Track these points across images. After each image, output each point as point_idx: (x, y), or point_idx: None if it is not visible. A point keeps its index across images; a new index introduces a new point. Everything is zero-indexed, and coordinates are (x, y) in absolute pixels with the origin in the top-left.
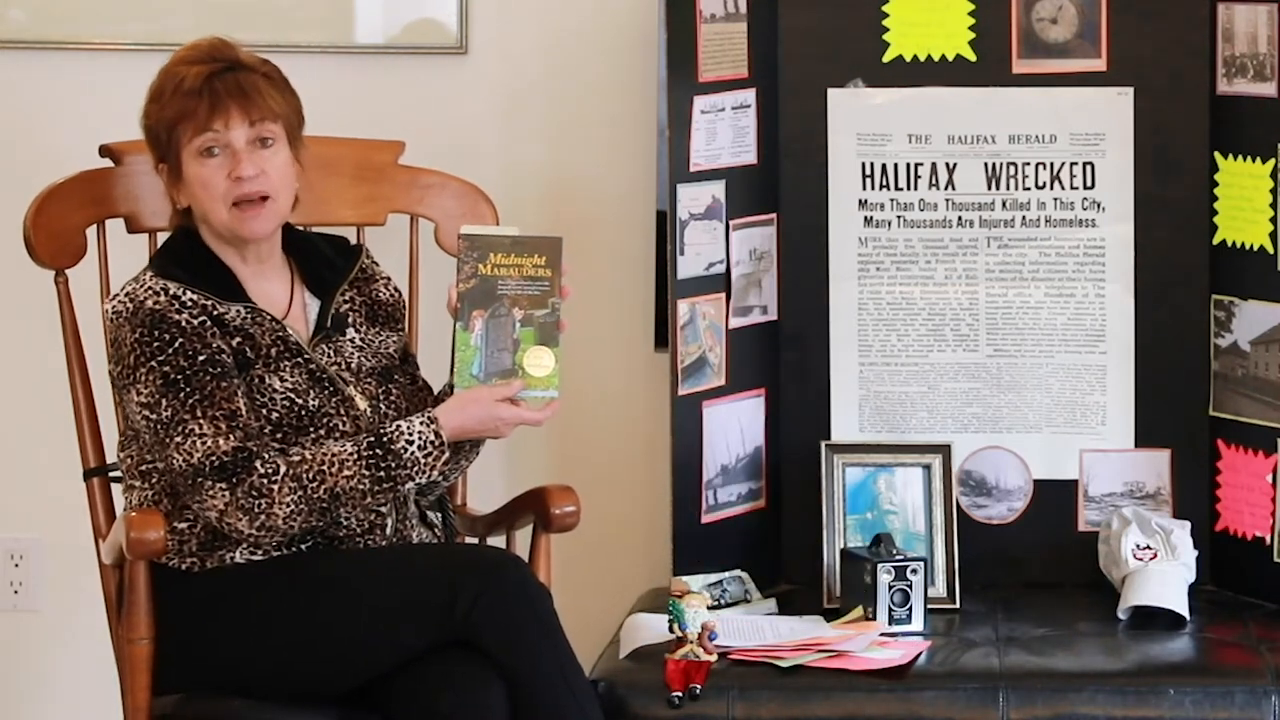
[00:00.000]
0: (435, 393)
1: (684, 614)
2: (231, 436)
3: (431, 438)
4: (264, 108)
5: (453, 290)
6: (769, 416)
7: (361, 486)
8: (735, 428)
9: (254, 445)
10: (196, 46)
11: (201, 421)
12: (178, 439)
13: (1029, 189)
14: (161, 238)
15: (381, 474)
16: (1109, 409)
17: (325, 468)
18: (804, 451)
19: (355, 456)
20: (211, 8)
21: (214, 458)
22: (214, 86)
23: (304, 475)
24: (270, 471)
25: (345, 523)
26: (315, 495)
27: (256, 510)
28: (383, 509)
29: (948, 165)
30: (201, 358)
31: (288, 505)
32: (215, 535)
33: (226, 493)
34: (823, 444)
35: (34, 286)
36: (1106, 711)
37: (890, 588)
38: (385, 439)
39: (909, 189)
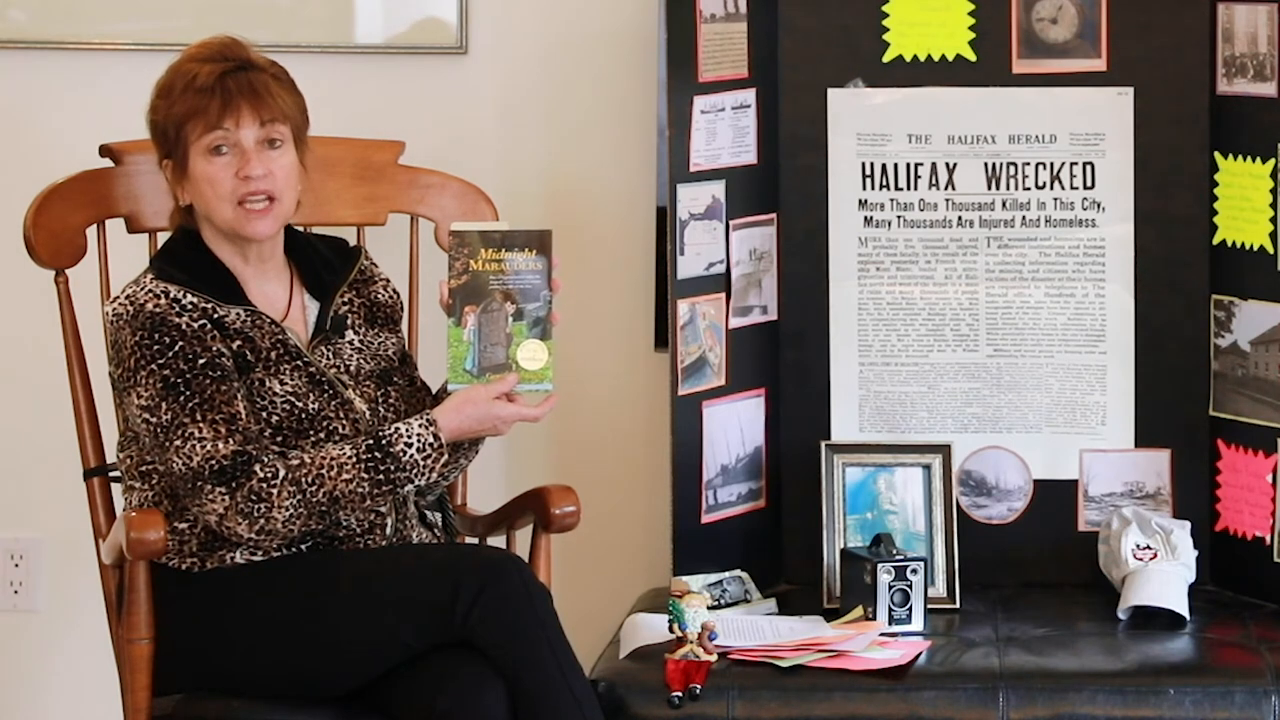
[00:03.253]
0: (434, 393)
1: (684, 614)
2: (231, 440)
3: (430, 439)
4: (275, 108)
5: (444, 286)
6: (769, 416)
7: (360, 490)
8: (735, 428)
9: (253, 449)
10: (207, 45)
11: (201, 425)
12: (177, 442)
13: (1029, 189)
14: (162, 238)
15: (380, 477)
16: (1109, 409)
17: (324, 471)
18: (804, 451)
19: (354, 460)
20: (211, 7)
21: (213, 461)
22: (226, 85)
23: (303, 479)
24: (269, 475)
25: (345, 523)
26: (314, 499)
27: (256, 514)
28: (382, 509)
29: (948, 165)
30: (201, 361)
31: (287, 509)
32: (215, 536)
33: (226, 497)
34: (823, 444)
35: (34, 286)
36: (1106, 711)
37: (890, 588)
38: (384, 442)
39: (909, 189)
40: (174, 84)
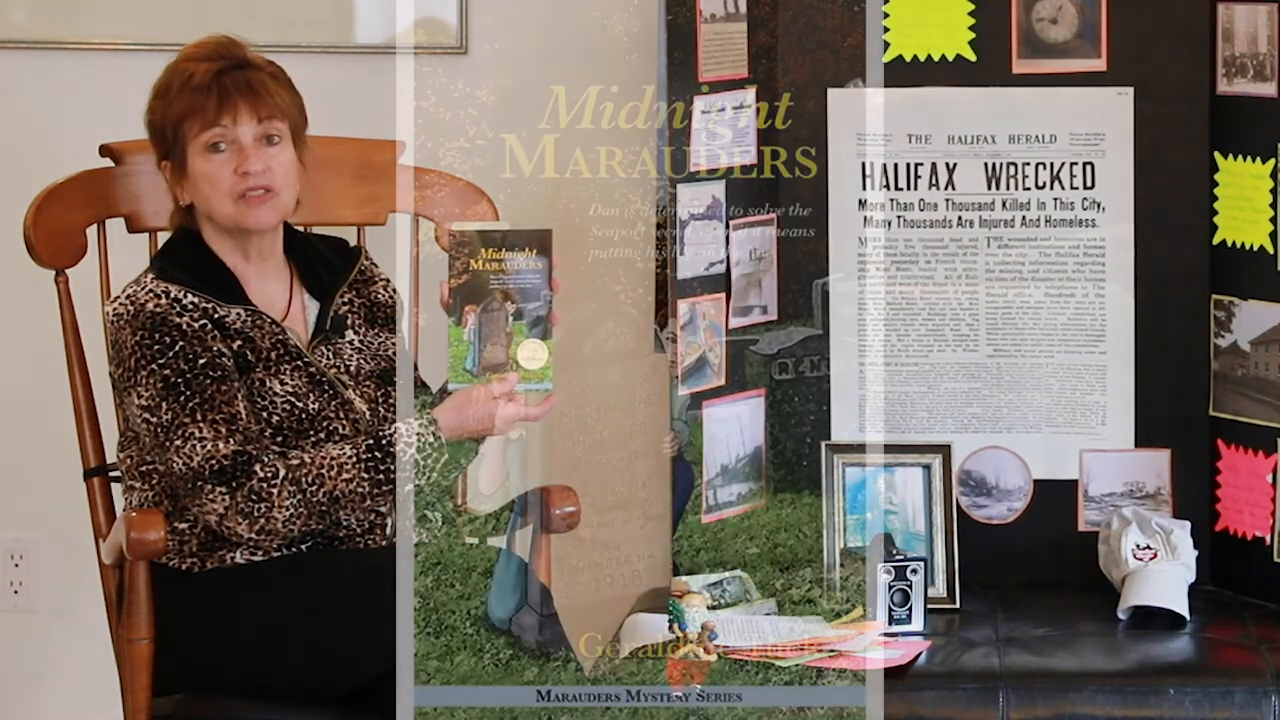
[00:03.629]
0: (434, 392)
1: (684, 614)
2: (231, 440)
3: (430, 439)
4: (272, 105)
5: (444, 286)
6: (769, 416)
7: (361, 489)
8: (735, 428)
9: (253, 449)
10: (203, 44)
11: (201, 425)
12: (177, 442)
13: (1029, 189)
14: (162, 237)
15: (381, 477)
16: (1109, 409)
17: (324, 471)
18: (804, 451)
19: (354, 460)
20: (211, 7)
21: (213, 461)
22: (223, 83)
23: (303, 479)
24: (269, 475)
25: (345, 523)
26: (314, 499)
27: (256, 514)
28: (382, 509)
29: (948, 165)
30: (202, 361)
31: (287, 509)
32: (215, 535)
33: (226, 497)
34: (823, 444)
35: (34, 286)
36: (1106, 711)
37: (890, 588)
38: (384, 442)
39: (909, 189)
40: (171, 83)
